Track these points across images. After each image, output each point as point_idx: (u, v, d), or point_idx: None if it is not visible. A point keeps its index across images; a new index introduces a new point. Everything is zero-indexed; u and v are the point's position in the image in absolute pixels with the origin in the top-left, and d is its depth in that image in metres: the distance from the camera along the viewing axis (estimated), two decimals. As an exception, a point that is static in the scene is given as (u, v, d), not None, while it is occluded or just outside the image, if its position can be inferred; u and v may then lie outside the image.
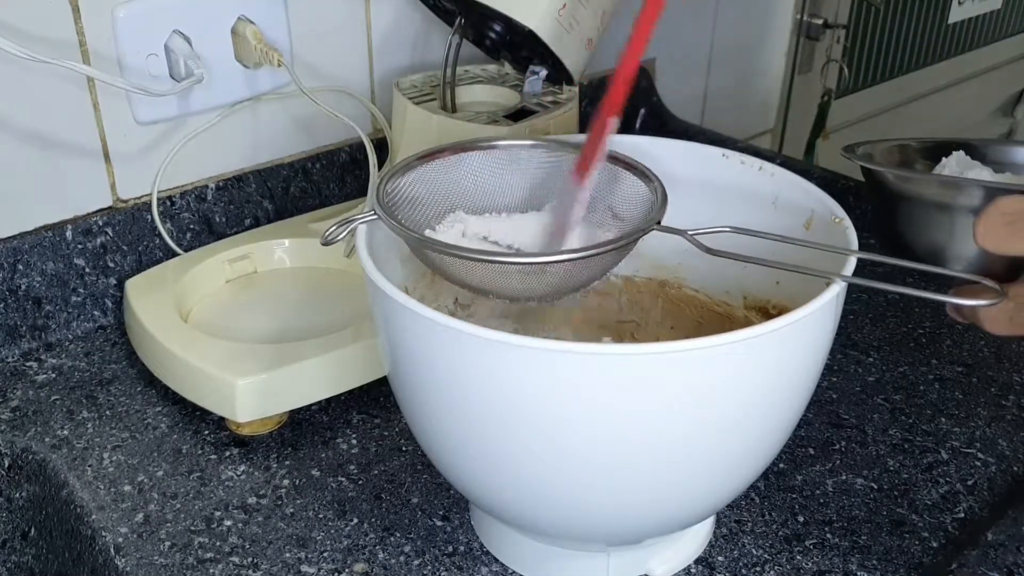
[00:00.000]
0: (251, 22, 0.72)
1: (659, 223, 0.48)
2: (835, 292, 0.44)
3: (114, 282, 0.73)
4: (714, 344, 0.40)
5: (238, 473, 0.60)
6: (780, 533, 0.56)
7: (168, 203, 0.74)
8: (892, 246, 0.58)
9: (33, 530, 0.64)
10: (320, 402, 0.65)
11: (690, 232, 0.48)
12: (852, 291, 0.78)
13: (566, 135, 0.60)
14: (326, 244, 0.47)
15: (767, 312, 0.57)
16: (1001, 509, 0.57)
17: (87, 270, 0.71)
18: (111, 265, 0.72)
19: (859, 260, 0.46)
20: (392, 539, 0.56)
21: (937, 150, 0.66)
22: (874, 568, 0.54)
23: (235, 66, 0.73)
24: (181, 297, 0.69)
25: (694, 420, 0.42)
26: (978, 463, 0.61)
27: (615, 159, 0.53)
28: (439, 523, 0.57)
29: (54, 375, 0.68)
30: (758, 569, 0.54)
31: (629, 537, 0.50)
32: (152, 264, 0.74)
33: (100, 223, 0.71)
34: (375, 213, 0.47)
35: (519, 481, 0.45)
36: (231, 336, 0.67)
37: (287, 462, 0.61)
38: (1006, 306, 0.45)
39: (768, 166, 0.56)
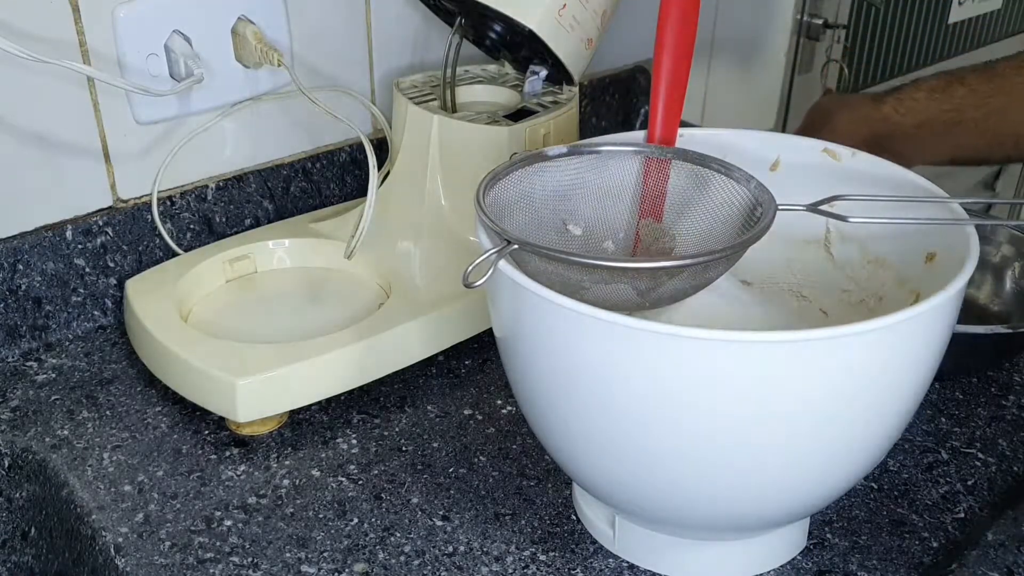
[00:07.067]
0: (251, 22, 0.72)
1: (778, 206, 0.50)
2: (971, 269, 0.45)
3: (114, 282, 0.73)
4: (870, 328, 0.41)
5: (238, 473, 0.60)
6: (780, 533, 0.56)
7: (168, 203, 0.74)
8: None
9: (33, 530, 0.64)
10: (320, 402, 0.65)
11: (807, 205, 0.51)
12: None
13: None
14: (469, 287, 0.44)
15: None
16: (1001, 509, 0.57)
17: (87, 270, 0.71)
18: (111, 265, 0.72)
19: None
20: (392, 539, 0.56)
21: None
22: (874, 568, 0.54)
23: (235, 66, 0.73)
24: (181, 297, 0.69)
25: (827, 406, 0.44)
26: (978, 463, 0.61)
27: (706, 164, 0.53)
28: (439, 523, 0.57)
29: (54, 375, 0.68)
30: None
31: (732, 527, 0.51)
32: (152, 264, 0.74)
33: (100, 223, 0.71)
34: (510, 241, 0.46)
35: (643, 468, 0.47)
36: (231, 336, 0.67)
37: (287, 462, 0.61)
38: None
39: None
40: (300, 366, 0.62)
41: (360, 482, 0.60)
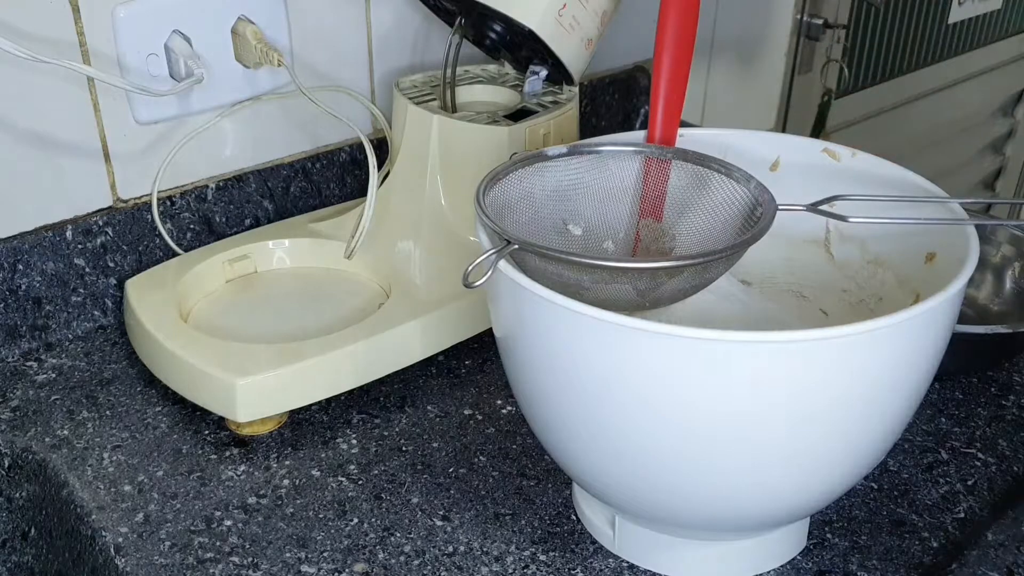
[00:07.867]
0: (251, 22, 0.72)
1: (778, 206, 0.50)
2: (971, 269, 0.46)
3: (114, 282, 0.73)
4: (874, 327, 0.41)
5: (238, 473, 0.60)
6: (780, 533, 0.56)
7: (168, 203, 0.74)
8: None
9: (33, 530, 0.64)
10: (320, 402, 0.65)
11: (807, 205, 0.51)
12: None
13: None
14: (469, 287, 0.44)
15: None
16: (1001, 509, 0.57)
17: (87, 270, 0.71)
18: (111, 265, 0.72)
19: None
20: (392, 539, 0.56)
21: None
22: (874, 568, 0.54)
23: (235, 66, 0.73)
24: (181, 297, 0.69)
25: (827, 406, 0.44)
26: (978, 463, 0.61)
27: (707, 164, 0.53)
28: (439, 523, 0.57)
29: (54, 375, 0.68)
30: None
31: (732, 527, 0.51)
32: (152, 264, 0.74)
33: (100, 223, 0.71)
34: (510, 241, 0.46)
35: (644, 468, 0.47)
36: (231, 336, 0.67)
37: (287, 462, 0.61)
38: None
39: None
40: (300, 366, 0.62)
41: (360, 482, 0.60)
